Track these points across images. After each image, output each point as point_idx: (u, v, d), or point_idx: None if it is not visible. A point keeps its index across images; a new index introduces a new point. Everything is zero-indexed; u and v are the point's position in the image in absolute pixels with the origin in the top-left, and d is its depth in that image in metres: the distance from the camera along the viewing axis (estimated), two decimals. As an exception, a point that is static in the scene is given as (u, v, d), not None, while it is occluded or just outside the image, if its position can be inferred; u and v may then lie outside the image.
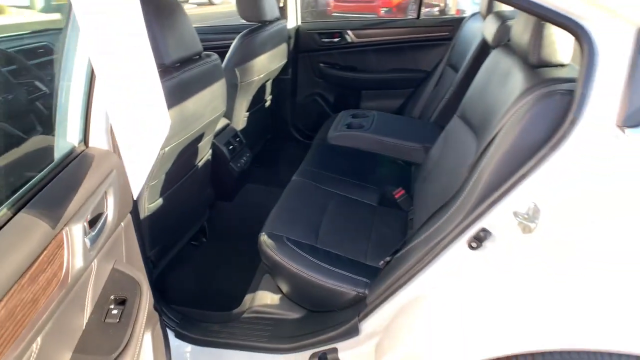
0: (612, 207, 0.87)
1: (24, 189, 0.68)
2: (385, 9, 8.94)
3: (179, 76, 1.44)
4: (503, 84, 1.29)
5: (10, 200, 0.65)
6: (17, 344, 0.53)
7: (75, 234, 0.68)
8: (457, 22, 2.57)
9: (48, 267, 0.60)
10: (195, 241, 2.04)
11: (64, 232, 0.66)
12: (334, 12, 9.18)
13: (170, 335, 1.42)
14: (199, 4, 11.22)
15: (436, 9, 9.68)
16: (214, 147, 1.99)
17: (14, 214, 0.62)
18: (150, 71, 0.69)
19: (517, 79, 1.19)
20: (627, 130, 0.83)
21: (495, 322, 1.01)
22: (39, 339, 0.59)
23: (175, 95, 1.42)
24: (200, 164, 1.82)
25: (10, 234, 0.58)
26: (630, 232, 0.88)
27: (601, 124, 0.86)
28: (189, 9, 10.22)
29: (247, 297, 1.61)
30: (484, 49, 2.01)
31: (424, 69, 2.71)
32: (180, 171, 1.65)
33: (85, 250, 0.71)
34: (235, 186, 2.25)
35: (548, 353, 0.98)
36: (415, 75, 2.73)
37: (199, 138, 1.71)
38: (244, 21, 2.30)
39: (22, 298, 0.54)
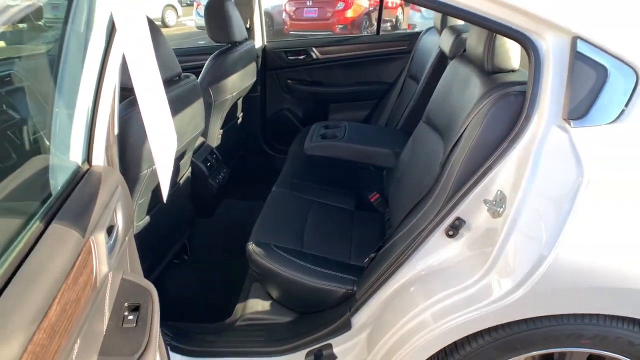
0: (565, 188, 1.00)
1: (47, 203, 0.74)
2: (340, 26, 9.26)
3: None
4: (463, 90, 1.44)
5: (39, 213, 0.70)
6: (67, 340, 0.58)
7: (100, 241, 0.73)
8: (414, 37, 2.75)
9: (84, 270, 0.66)
10: (177, 259, 2.06)
11: (90, 240, 0.71)
12: (291, 31, 9.39)
13: None
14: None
15: (388, 24, 10.14)
16: (192, 164, 2.03)
17: (46, 226, 0.68)
18: (159, 87, 0.76)
19: (475, 85, 1.34)
20: (573, 123, 0.98)
21: (473, 301, 1.12)
22: (79, 339, 0.64)
23: None
24: (182, 181, 1.87)
25: (50, 241, 0.64)
26: (584, 209, 1.01)
27: (551, 119, 1.00)
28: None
29: (239, 307, 1.66)
30: (441, 60, 2.19)
31: (386, 80, 2.86)
32: None
33: (107, 257, 0.77)
34: (214, 202, 2.30)
35: (523, 321, 1.10)
36: (379, 87, 2.88)
37: (181, 156, 1.76)
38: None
39: (70, 297, 0.60)
